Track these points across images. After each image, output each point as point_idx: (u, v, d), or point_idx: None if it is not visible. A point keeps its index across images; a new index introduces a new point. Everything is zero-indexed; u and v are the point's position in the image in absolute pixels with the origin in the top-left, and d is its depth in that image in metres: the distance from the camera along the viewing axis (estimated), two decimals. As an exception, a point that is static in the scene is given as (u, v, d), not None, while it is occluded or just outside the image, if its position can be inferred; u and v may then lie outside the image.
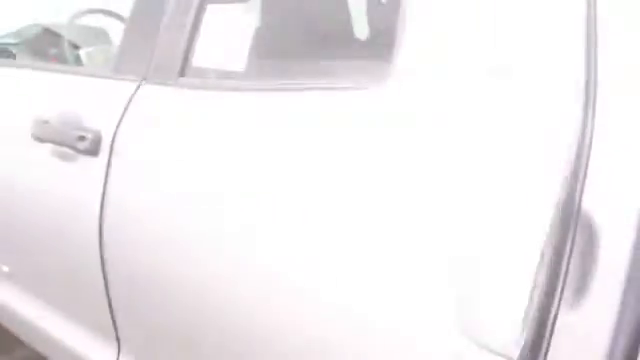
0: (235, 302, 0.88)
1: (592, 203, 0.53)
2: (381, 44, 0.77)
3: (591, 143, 0.55)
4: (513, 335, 0.50)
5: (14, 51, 1.63)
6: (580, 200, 0.54)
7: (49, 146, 1.16)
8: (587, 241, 0.51)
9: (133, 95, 1.04)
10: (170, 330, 1.03)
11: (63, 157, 1.13)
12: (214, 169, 0.91)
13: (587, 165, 0.55)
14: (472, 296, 0.55)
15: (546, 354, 0.50)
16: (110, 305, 1.10)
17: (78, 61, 1.64)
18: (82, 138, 1.06)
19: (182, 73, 1.00)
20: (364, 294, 0.66)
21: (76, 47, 1.69)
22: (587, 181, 0.55)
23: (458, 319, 0.55)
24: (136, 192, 1.02)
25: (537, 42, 0.63)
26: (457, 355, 0.56)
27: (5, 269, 1.39)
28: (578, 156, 0.55)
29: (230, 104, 0.92)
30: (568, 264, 0.51)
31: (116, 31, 1.91)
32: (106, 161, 1.04)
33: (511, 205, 0.57)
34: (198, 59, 0.99)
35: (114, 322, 1.12)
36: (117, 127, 1.04)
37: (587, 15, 0.58)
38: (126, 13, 1.84)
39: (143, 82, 1.04)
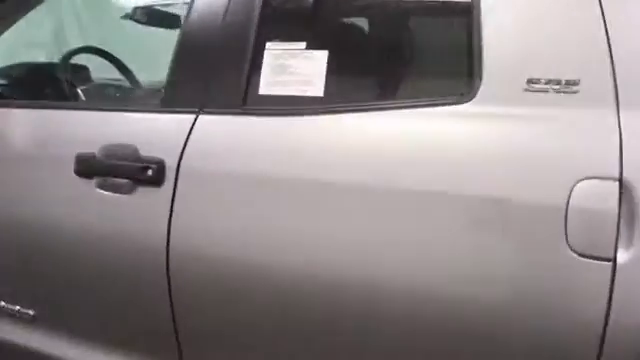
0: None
1: (629, 176, 0.82)
2: (462, 62, 0.94)
3: (621, 139, 0.83)
4: (609, 245, 0.82)
5: (0, 91, 1.58)
6: (622, 174, 0.82)
7: (94, 181, 1.19)
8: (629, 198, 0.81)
9: (193, 125, 1.11)
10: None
11: (116, 189, 1.16)
12: (294, 191, 1.00)
13: (622, 151, 0.83)
14: (580, 224, 0.83)
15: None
16: (176, 332, 1.14)
17: (77, 98, 1.63)
18: (145, 169, 1.11)
19: (245, 101, 1.09)
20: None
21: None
22: (623, 163, 0.82)
23: (570, 241, 0.83)
24: (207, 216, 1.08)
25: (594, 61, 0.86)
26: (568, 265, 0.83)
27: (30, 312, 1.36)
28: (619, 147, 0.83)
29: (310, 127, 1.02)
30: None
31: (94, 66, 1.91)
32: (171, 189, 1.10)
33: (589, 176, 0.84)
34: (264, 87, 1.08)
35: (180, 351, 1.15)
36: (181, 156, 1.10)
37: None
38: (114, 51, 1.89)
39: (201, 113, 1.12)
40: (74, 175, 1.20)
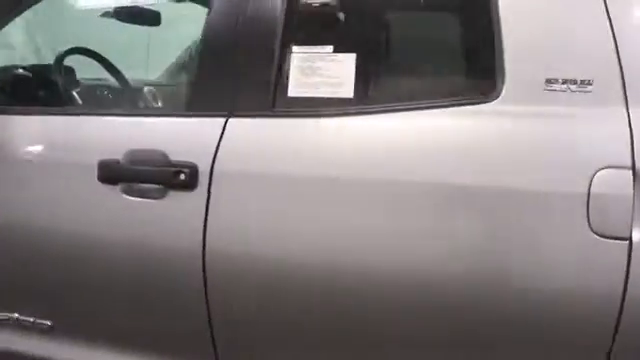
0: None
1: None
2: (485, 64, 1.02)
3: (632, 132, 0.94)
4: (625, 226, 0.93)
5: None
6: (634, 163, 0.92)
7: (119, 187, 1.19)
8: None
9: (224, 129, 1.14)
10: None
11: (145, 194, 1.17)
12: (328, 191, 1.05)
13: (632, 143, 0.93)
14: (600, 209, 0.94)
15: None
16: (212, 333, 1.16)
17: (72, 101, 1.59)
18: (178, 173, 1.13)
19: (274, 104, 1.13)
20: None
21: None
22: (635, 153, 0.94)
23: (592, 224, 0.94)
24: (242, 218, 1.11)
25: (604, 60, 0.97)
26: (590, 245, 0.93)
27: (48, 322, 1.34)
28: (630, 140, 0.94)
29: (341, 128, 1.07)
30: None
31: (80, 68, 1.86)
32: (205, 193, 1.12)
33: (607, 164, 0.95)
34: (293, 90, 1.11)
35: (216, 353, 1.18)
36: (214, 160, 1.12)
37: None
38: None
39: (231, 116, 1.15)
40: (97, 182, 1.20)
